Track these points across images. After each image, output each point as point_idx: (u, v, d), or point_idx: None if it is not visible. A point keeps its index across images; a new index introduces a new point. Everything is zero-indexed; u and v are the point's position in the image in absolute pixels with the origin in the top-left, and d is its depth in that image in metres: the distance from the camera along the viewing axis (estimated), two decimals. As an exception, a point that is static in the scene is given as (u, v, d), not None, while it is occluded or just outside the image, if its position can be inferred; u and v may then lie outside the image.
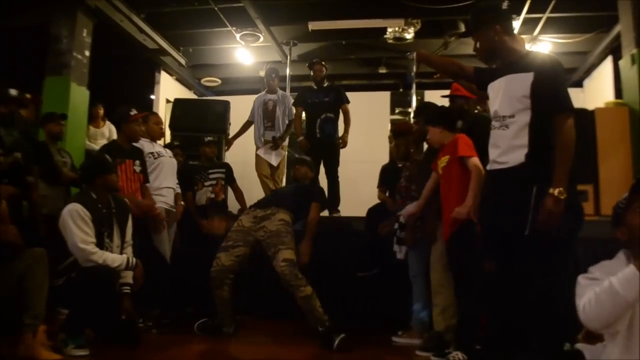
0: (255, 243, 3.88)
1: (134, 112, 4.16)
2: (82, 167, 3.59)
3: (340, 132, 5.85)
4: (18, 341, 2.85)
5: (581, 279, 1.81)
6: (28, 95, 4.29)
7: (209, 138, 5.38)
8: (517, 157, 2.42)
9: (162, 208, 4.24)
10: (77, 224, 3.20)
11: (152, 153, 4.38)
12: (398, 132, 4.30)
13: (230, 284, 3.87)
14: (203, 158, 5.28)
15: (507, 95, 2.48)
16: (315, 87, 5.95)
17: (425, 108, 3.98)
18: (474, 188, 3.08)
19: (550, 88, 2.38)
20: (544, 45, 6.93)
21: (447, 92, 3.80)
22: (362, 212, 5.33)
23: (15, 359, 2.79)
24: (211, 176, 5.10)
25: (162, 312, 4.06)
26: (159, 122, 4.62)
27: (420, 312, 3.79)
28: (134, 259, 3.36)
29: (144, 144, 4.38)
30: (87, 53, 5.73)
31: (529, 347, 2.22)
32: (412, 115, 6.80)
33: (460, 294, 3.18)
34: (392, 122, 8.07)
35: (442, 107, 3.65)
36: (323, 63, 6.01)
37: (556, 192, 2.26)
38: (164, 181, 4.36)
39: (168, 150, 4.64)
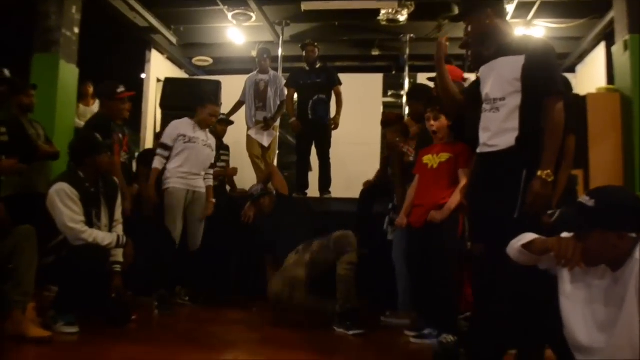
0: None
1: (121, 89, 4.10)
2: (71, 147, 3.54)
3: (332, 113, 5.84)
4: (7, 318, 2.84)
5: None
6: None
7: (221, 116, 5.27)
8: (508, 140, 2.42)
9: (182, 189, 4.28)
10: (65, 203, 3.18)
11: (183, 136, 4.36)
12: (386, 122, 4.32)
13: None
14: (213, 136, 5.20)
15: (498, 78, 2.48)
16: (307, 68, 5.92)
17: (422, 89, 3.96)
18: (458, 199, 3.15)
19: (541, 71, 2.38)
20: (537, 30, 6.90)
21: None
22: (353, 194, 5.34)
23: (5, 336, 2.79)
24: (222, 157, 5.08)
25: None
26: (214, 114, 4.56)
27: (405, 301, 3.87)
28: (124, 237, 3.36)
29: (184, 125, 4.40)
30: (76, 30, 5.63)
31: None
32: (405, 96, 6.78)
33: (436, 278, 3.16)
34: (385, 104, 8.05)
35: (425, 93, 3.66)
36: (315, 44, 5.97)
37: (544, 174, 2.28)
38: (186, 166, 4.33)
39: (212, 139, 4.59)
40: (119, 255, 3.42)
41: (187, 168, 4.33)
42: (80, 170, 3.37)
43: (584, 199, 1.75)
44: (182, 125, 4.43)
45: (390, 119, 4.26)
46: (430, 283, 3.18)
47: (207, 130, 4.59)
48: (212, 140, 4.60)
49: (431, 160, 3.36)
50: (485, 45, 2.63)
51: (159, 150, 4.38)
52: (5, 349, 2.71)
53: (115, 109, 4.09)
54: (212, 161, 4.61)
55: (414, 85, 6.11)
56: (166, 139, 4.39)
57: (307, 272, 3.72)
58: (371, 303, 4.22)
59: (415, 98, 3.97)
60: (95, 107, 6.38)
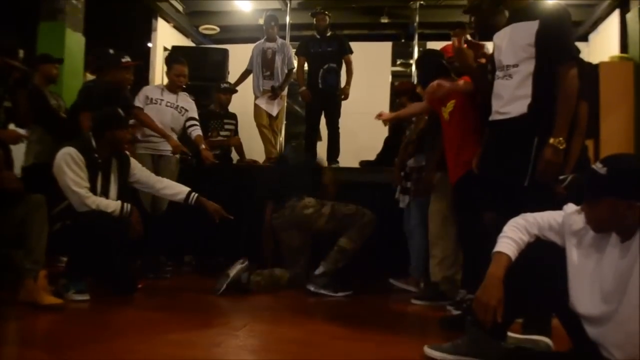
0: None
1: (126, 59, 4.08)
2: (95, 119, 3.50)
3: (343, 83, 5.78)
4: (19, 286, 2.88)
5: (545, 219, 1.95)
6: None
7: (224, 85, 5.21)
8: (520, 107, 2.39)
9: (147, 154, 4.25)
10: (70, 167, 3.18)
11: (146, 97, 4.36)
12: (400, 91, 4.28)
13: None
14: (217, 105, 5.14)
15: (511, 44, 2.44)
16: (318, 36, 5.84)
17: (431, 54, 3.87)
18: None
19: (555, 37, 2.34)
20: (550, -4, 6.77)
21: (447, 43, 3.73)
22: (361, 164, 5.32)
23: (18, 304, 2.84)
24: (226, 126, 5.04)
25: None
26: (181, 74, 4.47)
27: (417, 269, 3.91)
28: (129, 206, 3.32)
29: (152, 89, 4.45)
30: (82, -2, 5.60)
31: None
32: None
33: (468, 238, 3.14)
34: (394, 73, 7.96)
35: (429, 61, 3.57)
36: (326, 12, 5.87)
37: (556, 142, 2.26)
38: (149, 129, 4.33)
39: (186, 102, 4.50)
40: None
41: (150, 131, 4.30)
42: (95, 140, 3.35)
43: (596, 166, 1.73)
44: (150, 89, 4.50)
45: (407, 88, 4.25)
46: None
47: (180, 92, 4.51)
48: (184, 103, 4.49)
49: (444, 112, 3.27)
50: (499, 10, 2.58)
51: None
52: (19, 317, 2.75)
53: (121, 78, 4.10)
54: (180, 125, 4.48)
55: (423, 52, 6.00)
56: (136, 102, 4.36)
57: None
58: (380, 270, 4.30)
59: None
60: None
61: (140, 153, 4.26)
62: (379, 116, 3.69)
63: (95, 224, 3.13)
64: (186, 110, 4.50)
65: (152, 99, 4.39)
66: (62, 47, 5.26)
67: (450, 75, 3.31)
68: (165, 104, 4.41)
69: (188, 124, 4.50)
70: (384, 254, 4.37)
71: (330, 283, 3.68)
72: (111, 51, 4.19)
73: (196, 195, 3.56)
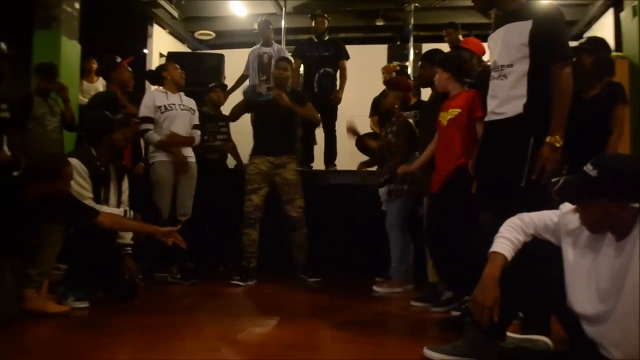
0: (273, 184, 4.37)
1: (119, 59, 4.16)
2: (88, 129, 3.53)
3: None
4: (21, 295, 2.85)
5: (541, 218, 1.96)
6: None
7: (212, 84, 5.07)
8: (515, 107, 2.40)
9: (169, 161, 4.15)
10: (75, 179, 3.19)
11: (159, 107, 4.20)
12: (392, 83, 4.27)
13: (259, 225, 4.31)
14: (210, 105, 4.94)
15: (505, 45, 2.44)
16: (315, 39, 5.85)
17: (437, 53, 3.87)
18: None
19: (549, 36, 2.35)
20: (544, -4, 6.79)
21: (446, 45, 3.76)
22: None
23: (23, 312, 2.81)
24: (222, 129, 4.92)
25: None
26: (178, 67, 4.43)
27: (398, 269, 3.96)
28: (132, 211, 3.36)
29: (158, 95, 4.26)
30: (76, 5, 5.59)
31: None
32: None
33: (452, 243, 3.10)
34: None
35: (458, 55, 3.56)
36: (325, 15, 5.89)
37: (553, 140, 2.27)
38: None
39: (189, 101, 4.39)
40: (127, 237, 3.44)
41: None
42: (94, 149, 3.38)
43: (587, 167, 1.73)
44: (154, 96, 4.28)
45: (399, 84, 4.22)
46: (448, 248, 3.12)
47: (182, 93, 4.38)
48: (190, 103, 4.38)
49: (443, 117, 3.24)
50: (491, 12, 2.60)
51: (146, 125, 4.17)
52: (27, 325, 2.73)
53: (124, 78, 4.22)
54: (196, 122, 4.40)
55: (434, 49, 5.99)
56: (147, 111, 4.19)
57: None
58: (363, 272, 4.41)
59: (429, 61, 3.84)
60: (99, 83, 6.36)
61: (163, 160, 4.14)
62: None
63: (100, 233, 3.13)
64: (194, 110, 4.40)
65: (163, 106, 4.21)
66: (58, 55, 5.25)
67: (465, 77, 3.30)
68: (179, 108, 4.26)
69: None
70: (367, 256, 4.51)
71: None
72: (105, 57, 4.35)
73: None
